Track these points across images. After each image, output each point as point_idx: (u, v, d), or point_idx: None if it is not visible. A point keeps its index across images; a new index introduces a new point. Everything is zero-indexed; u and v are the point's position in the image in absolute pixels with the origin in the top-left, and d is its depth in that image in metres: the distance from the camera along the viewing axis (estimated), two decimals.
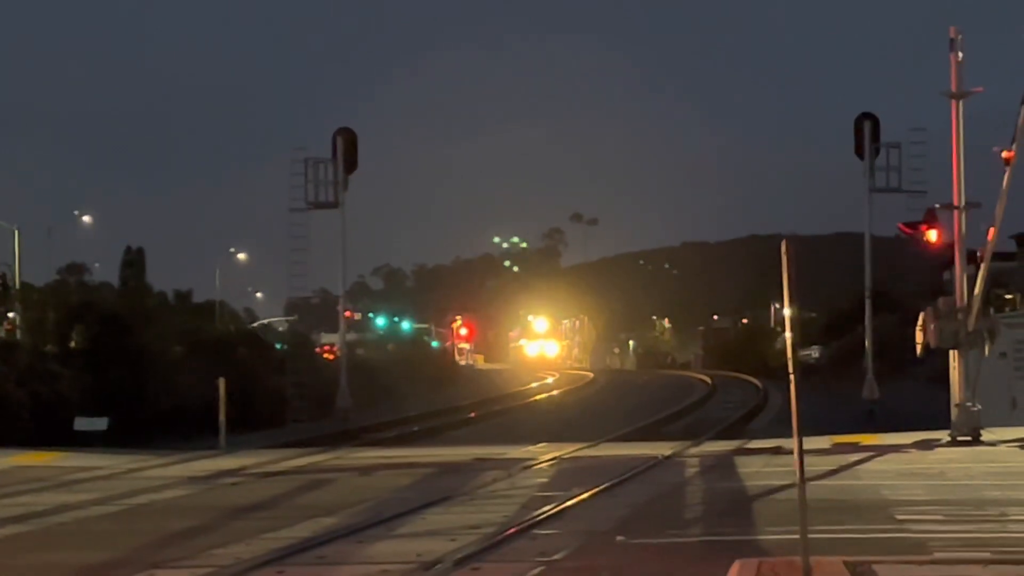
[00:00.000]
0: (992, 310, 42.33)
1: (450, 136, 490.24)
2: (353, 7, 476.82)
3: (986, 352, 40.37)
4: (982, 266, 39.42)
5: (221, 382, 45.52)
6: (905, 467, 32.78)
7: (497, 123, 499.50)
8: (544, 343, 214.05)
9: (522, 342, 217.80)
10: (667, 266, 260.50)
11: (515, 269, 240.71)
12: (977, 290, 39.56)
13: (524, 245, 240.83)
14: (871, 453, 36.37)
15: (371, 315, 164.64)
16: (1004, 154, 37.02)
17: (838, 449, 37.72)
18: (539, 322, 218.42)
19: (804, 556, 16.25)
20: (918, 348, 41.19)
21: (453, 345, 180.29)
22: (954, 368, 40.72)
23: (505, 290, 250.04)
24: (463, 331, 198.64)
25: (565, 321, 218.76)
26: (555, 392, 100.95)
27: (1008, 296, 74.83)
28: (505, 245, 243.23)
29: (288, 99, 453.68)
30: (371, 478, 34.27)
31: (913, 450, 37.00)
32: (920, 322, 40.92)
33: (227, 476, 35.53)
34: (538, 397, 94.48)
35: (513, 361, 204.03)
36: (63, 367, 56.72)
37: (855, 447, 38.32)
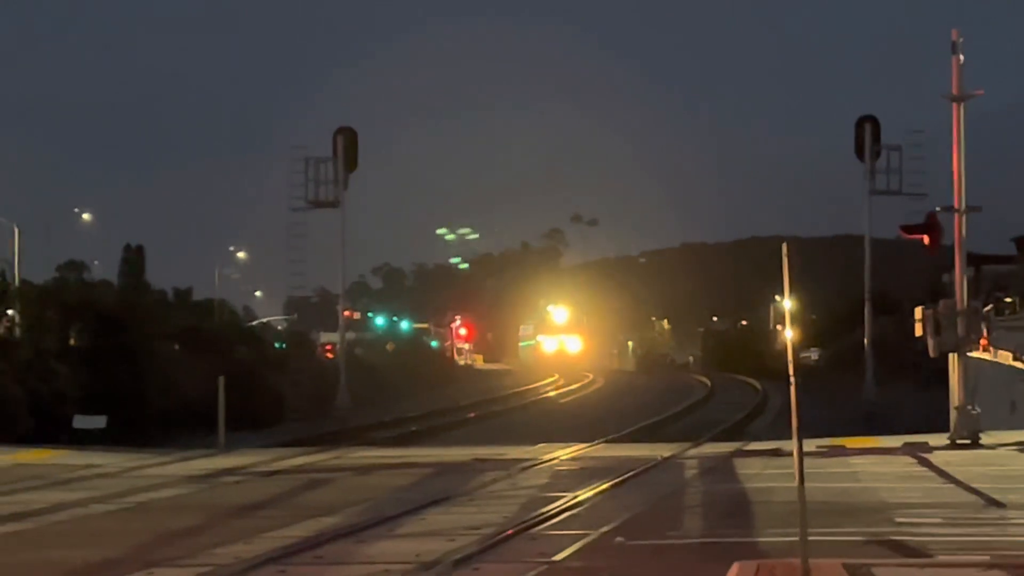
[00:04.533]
0: (993, 313, 42.32)
1: (451, 137, 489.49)
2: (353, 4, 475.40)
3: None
4: None
5: (220, 381, 45.51)
6: (904, 470, 32.76)
7: (496, 124, 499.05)
8: (565, 338, 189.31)
9: (539, 338, 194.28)
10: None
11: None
12: None
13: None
14: (870, 455, 36.36)
15: (370, 314, 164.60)
16: None
17: (837, 451, 37.69)
18: (559, 312, 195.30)
19: (803, 558, 16.24)
20: (917, 330, 41.05)
21: (452, 345, 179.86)
22: (953, 371, 40.69)
23: (505, 290, 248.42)
24: (462, 331, 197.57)
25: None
26: (552, 393, 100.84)
27: (1008, 299, 74.79)
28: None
29: (289, 96, 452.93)
30: (370, 477, 34.25)
31: (912, 453, 36.95)
32: (919, 315, 40.85)
33: (226, 475, 35.52)
34: (537, 398, 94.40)
35: (520, 361, 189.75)
36: (62, 365, 56.70)
37: (854, 450, 38.29)
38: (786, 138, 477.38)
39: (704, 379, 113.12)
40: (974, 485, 28.34)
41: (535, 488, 30.12)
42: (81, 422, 49.56)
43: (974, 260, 42.09)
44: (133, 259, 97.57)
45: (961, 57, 40.48)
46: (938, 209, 42.64)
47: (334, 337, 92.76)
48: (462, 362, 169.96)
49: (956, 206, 40.90)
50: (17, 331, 67.10)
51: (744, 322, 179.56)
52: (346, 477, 34.64)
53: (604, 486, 29.53)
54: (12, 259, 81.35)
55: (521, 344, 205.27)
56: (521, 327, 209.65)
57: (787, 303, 16.92)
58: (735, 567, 17.20)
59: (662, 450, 39.48)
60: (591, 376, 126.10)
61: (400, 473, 34.95)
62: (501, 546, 20.89)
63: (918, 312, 41.06)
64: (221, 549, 21.15)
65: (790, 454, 17.02)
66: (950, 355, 40.75)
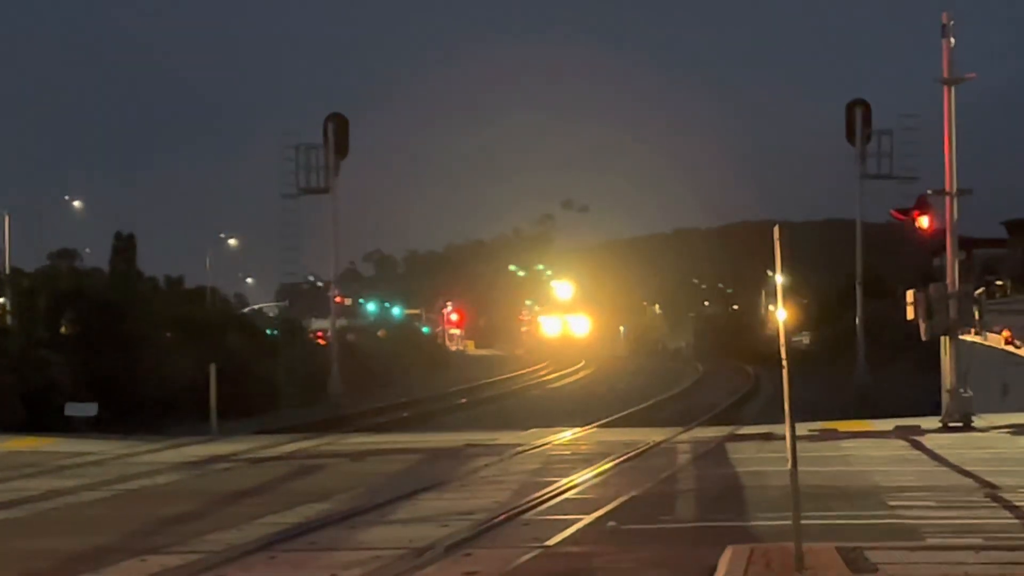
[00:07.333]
0: (984, 296, 42.33)
1: (442, 123, 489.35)
2: None
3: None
4: None
5: (212, 368, 45.49)
6: (896, 453, 32.78)
7: (487, 110, 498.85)
8: (570, 318, 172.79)
9: (540, 319, 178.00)
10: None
11: (520, 274, 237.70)
12: None
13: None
14: (862, 439, 36.37)
15: (362, 301, 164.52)
16: None
17: (829, 435, 37.72)
18: (563, 288, 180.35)
19: (797, 542, 16.22)
20: (908, 314, 41.11)
21: (444, 331, 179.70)
22: (945, 354, 40.73)
23: (495, 277, 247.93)
24: (453, 317, 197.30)
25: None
26: (546, 378, 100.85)
27: (999, 283, 74.96)
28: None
29: (279, 82, 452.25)
30: (362, 464, 34.25)
31: (904, 436, 36.98)
32: (910, 298, 40.90)
33: (218, 462, 35.51)
34: (528, 383, 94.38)
35: (518, 345, 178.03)
36: (54, 353, 56.66)
37: (846, 433, 38.32)
38: (777, 123, 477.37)
39: (696, 364, 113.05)
40: (966, 468, 28.36)
41: (527, 473, 30.12)
42: (72, 409, 49.54)
43: (965, 244, 42.10)
44: (124, 246, 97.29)
45: (952, 40, 40.44)
46: (929, 192, 42.67)
47: (325, 324, 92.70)
48: (453, 348, 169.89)
49: (947, 189, 40.92)
50: (8, 319, 67.09)
51: (735, 307, 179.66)
52: (338, 463, 34.63)
53: (596, 471, 29.55)
54: (3, 247, 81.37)
55: (522, 328, 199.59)
56: (526, 303, 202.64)
57: (779, 278, 16.87)
58: (728, 551, 17.19)
59: (654, 435, 39.47)
60: (583, 361, 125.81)
61: (392, 459, 34.94)
62: (494, 531, 20.88)
63: (910, 295, 41.11)
64: (213, 536, 21.13)
65: (782, 438, 16.99)
66: (942, 338, 40.80)
